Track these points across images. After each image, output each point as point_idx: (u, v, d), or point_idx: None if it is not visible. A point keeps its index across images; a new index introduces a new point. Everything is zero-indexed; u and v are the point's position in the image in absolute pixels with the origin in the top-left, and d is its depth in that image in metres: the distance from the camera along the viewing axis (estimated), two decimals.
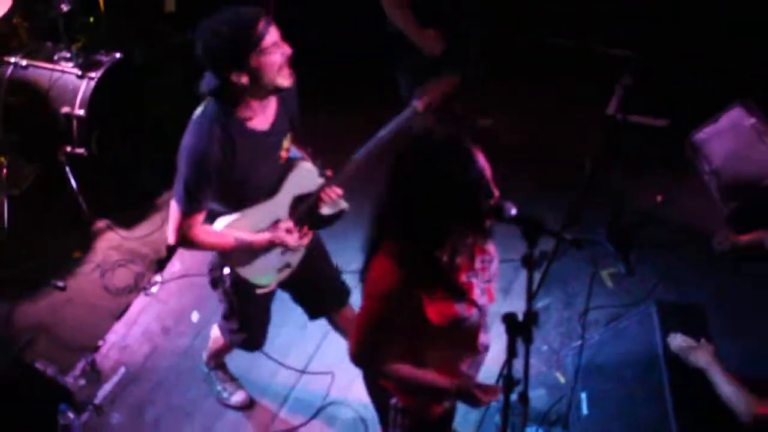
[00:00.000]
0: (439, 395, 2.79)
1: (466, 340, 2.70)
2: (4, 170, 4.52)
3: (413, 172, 2.35)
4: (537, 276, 3.16)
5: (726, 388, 2.75)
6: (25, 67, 4.46)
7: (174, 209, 2.72)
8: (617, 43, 4.99)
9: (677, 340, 3.12)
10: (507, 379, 2.42)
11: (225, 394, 3.89)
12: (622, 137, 4.26)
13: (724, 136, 4.19)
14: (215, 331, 3.57)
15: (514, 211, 2.27)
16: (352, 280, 3.68)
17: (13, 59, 4.49)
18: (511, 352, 2.34)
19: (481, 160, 2.32)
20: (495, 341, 3.11)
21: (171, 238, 2.76)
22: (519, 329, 2.34)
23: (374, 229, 2.53)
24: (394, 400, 2.79)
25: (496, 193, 2.32)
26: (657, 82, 4.45)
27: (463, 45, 4.44)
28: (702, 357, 2.95)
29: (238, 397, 3.91)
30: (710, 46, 4.84)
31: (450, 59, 4.27)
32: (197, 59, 2.61)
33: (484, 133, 4.96)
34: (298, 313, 3.61)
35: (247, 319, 3.37)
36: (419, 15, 4.19)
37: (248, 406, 3.90)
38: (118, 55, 4.45)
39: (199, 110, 2.70)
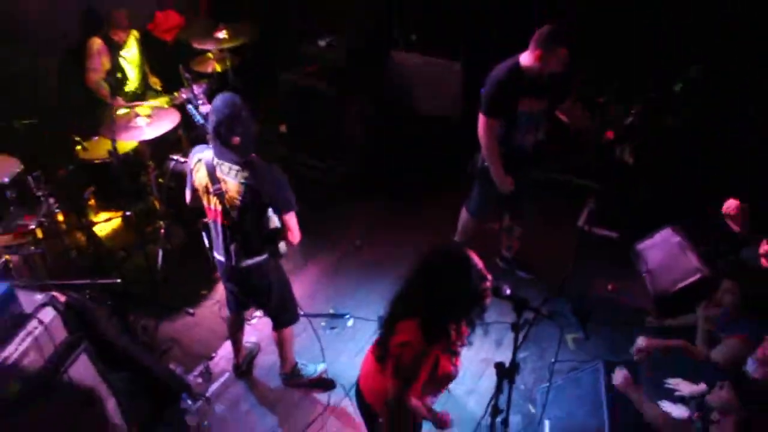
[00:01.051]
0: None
1: (443, 385, 3.10)
2: (162, 230, 5.23)
3: (441, 276, 2.72)
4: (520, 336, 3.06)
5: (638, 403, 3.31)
6: (183, 163, 5.01)
7: None
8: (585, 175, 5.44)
9: (617, 374, 3.62)
10: (494, 408, 3.09)
11: (310, 370, 4.42)
12: (586, 243, 4.70)
13: (657, 247, 4.56)
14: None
15: (508, 291, 2.74)
16: (372, 327, 4.42)
17: (174, 157, 5.11)
18: (499, 389, 3.00)
19: (477, 259, 2.74)
20: (486, 378, 4.04)
21: None
22: (506, 374, 2.93)
23: (399, 304, 2.88)
24: (381, 420, 3.11)
25: (489, 276, 2.76)
26: (613, 206, 4.78)
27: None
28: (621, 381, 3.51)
29: (319, 367, 4.46)
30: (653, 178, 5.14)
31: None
32: None
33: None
34: None
35: None
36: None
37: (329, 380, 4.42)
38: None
39: None
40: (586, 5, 5.30)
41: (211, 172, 3.51)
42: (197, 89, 5.36)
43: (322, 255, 5.51)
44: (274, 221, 3.74)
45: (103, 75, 5.63)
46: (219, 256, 3.86)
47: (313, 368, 4.50)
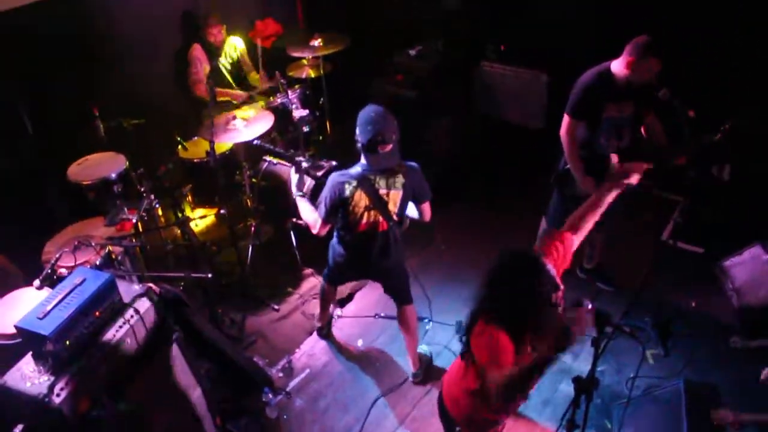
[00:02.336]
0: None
1: (527, 382, 2.87)
2: (253, 228, 5.37)
3: (511, 277, 2.73)
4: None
5: None
6: (275, 164, 5.21)
7: None
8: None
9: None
10: (570, 422, 2.99)
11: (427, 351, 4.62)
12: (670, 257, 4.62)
13: (745, 265, 4.42)
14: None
15: (590, 306, 2.62)
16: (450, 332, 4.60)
17: (267, 159, 5.23)
18: (576, 404, 2.91)
19: (550, 266, 2.72)
20: (562, 390, 4.09)
21: None
22: (584, 388, 2.81)
23: (476, 305, 2.88)
24: (458, 429, 3.16)
25: (561, 286, 2.75)
26: (699, 221, 4.64)
27: None
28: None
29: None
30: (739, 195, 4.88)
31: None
32: None
33: None
34: None
35: None
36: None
37: None
38: (334, 162, 4.96)
39: None
40: (680, 17, 5.14)
41: (371, 189, 3.70)
42: (292, 94, 5.48)
43: (408, 258, 5.51)
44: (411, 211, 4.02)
45: (205, 80, 5.81)
46: (364, 260, 4.01)
47: (425, 350, 4.68)
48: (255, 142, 4.94)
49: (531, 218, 5.20)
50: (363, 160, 3.74)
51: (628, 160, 4.16)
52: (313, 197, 4.37)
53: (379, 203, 3.74)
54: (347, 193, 3.72)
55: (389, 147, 3.61)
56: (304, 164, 4.43)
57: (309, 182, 4.73)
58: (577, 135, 4.36)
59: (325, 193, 3.79)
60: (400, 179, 3.73)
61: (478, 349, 2.79)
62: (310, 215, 3.98)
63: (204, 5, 6.16)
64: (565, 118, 4.34)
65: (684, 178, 4.20)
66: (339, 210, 3.82)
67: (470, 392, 2.97)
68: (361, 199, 3.73)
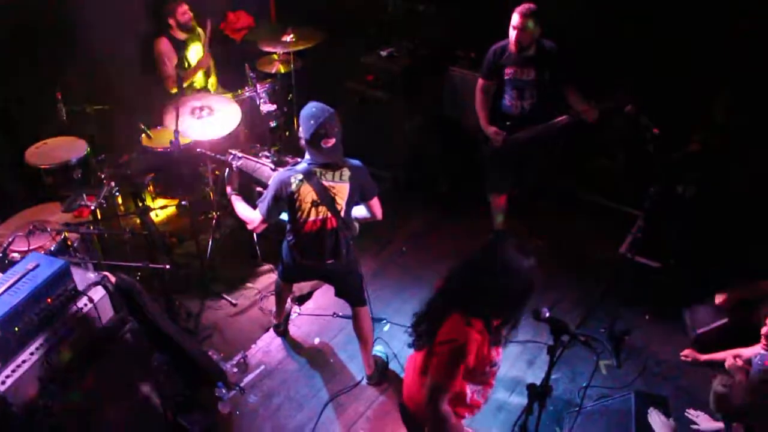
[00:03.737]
0: None
1: (487, 376, 3.06)
2: (214, 221, 5.33)
3: (494, 271, 2.74)
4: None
5: None
6: (240, 158, 4.85)
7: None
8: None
9: (654, 415, 3.66)
10: (522, 428, 3.06)
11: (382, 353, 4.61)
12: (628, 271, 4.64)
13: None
14: None
15: (548, 314, 2.75)
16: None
17: (233, 152, 4.91)
18: (529, 410, 2.97)
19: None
20: (516, 396, 4.10)
21: None
22: (537, 395, 2.89)
23: (443, 299, 2.93)
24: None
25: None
26: (657, 236, 4.66)
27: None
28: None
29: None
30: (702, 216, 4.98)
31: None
32: None
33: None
34: None
35: None
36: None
37: None
38: (299, 159, 4.41)
39: None
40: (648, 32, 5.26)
41: (318, 183, 3.69)
42: (260, 88, 5.42)
43: (365, 259, 5.45)
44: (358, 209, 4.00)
45: (174, 74, 5.71)
46: (315, 261, 3.99)
47: (381, 352, 4.67)
48: (198, 150, 4.87)
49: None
50: (307, 156, 3.77)
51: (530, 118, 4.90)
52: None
53: (326, 197, 3.73)
54: (293, 187, 3.71)
55: (332, 141, 3.62)
56: (264, 167, 4.59)
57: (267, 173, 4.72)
58: (488, 93, 5.05)
59: (270, 189, 3.79)
60: (346, 173, 3.74)
61: (442, 348, 2.80)
62: (246, 212, 3.99)
63: None
64: (479, 80, 5.07)
65: (646, 193, 4.26)
66: (283, 206, 3.82)
67: None
68: (308, 194, 3.71)
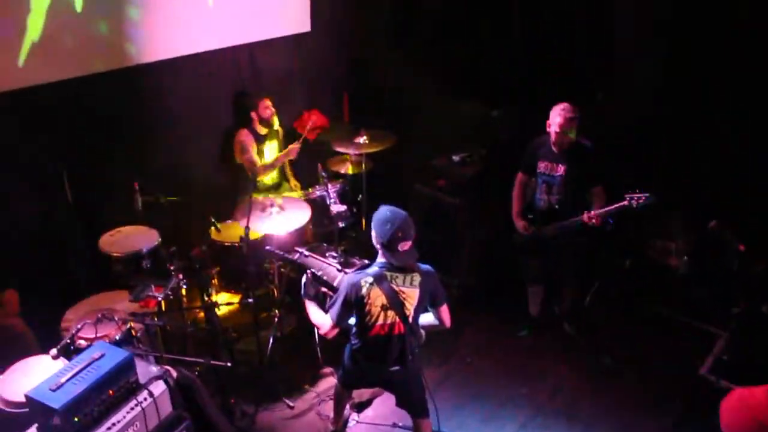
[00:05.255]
0: None
1: None
2: (276, 318, 5.31)
3: None
4: None
5: None
6: (306, 256, 4.90)
7: None
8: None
9: None
10: None
11: None
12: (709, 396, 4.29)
13: None
14: None
15: None
16: None
17: (300, 249, 4.96)
18: None
19: None
20: None
21: None
22: None
23: None
24: None
25: None
26: (746, 360, 4.47)
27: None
28: None
29: None
30: None
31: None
32: None
33: None
34: None
35: None
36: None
37: None
38: (366, 261, 4.52)
39: None
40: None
41: (388, 287, 3.68)
42: (332, 188, 5.51)
43: (427, 369, 5.29)
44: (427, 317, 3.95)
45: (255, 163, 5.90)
46: (379, 367, 3.91)
47: None
48: (267, 247, 4.97)
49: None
50: (380, 259, 3.77)
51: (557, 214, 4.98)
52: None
53: (395, 302, 3.70)
54: (363, 291, 3.70)
55: (408, 244, 3.65)
56: (330, 268, 4.55)
57: (339, 277, 4.70)
58: (524, 187, 5.23)
59: (340, 293, 3.79)
60: (417, 278, 3.72)
61: None
62: (319, 317, 3.98)
63: (254, 88, 6.34)
64: (518, 172, 5.26)
65: (729, 311, 4.10)
66: (353, 310, 3.79)
67: None
68: (378, 297, 3.69)
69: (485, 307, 5.98)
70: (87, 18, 5.19)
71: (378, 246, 3.73)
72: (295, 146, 6.03)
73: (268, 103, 6.00)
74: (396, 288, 3.71)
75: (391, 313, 3.72)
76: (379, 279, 3.70)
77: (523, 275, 5.59)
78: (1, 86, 4.84)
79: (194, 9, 5.86)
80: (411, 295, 3.72)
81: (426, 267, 3.82)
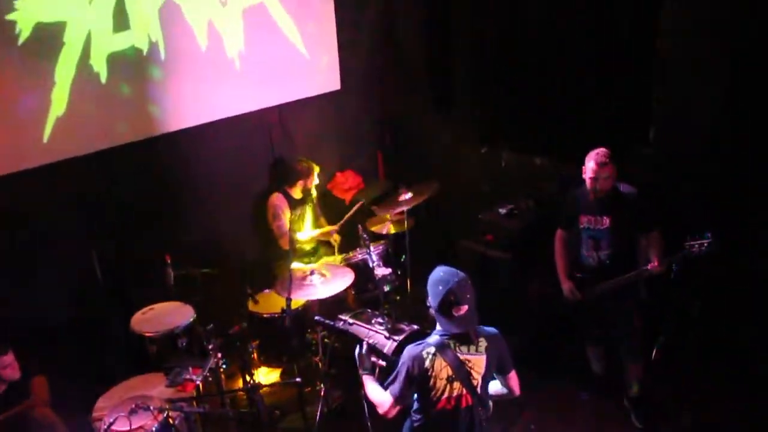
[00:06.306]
0: None
1: None
2: (322, 392, 4.95)
3: None
4: None
5: None
6: (351, 324, 4.82)
7: None
8: None
9: None
10: None
11: None
12: None
13: None
14: None
15: None
16: None
17: (343, 317, 4.89)
18: None
19: None
20: None
21: None
22: None
23: None
24: None
25: None
26: None
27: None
28: None
29: None
30: None
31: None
32: None
33: None
34: None
35: None
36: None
37: None
38: (416, 326, 4.65)
39: None
40: None
41: (453, 357, 3.33)
42: (374, 250, 5.22)
43: None
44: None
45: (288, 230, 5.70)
46: None
47: None
48: (316, 318, 4.73)
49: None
50: (439, 326, 3.41)
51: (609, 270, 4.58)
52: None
53: (461, 372, 3.33)
54: (427, 363, 3.33)
55: (464, 308, 3.27)
56: (378, 335, 4.32)
57: (389, 344, 4.39)
58: (567, 244, 4.87)
59: (401, 367, 3.40)
60: (483, 343, 3.37)
61: None
62: (378, 395, 3.57)
63: (289, 154, 6.18)
64: (557, 230, 4.90)
65: None
66: (416, 386, 3.41)
67: None
68: (442, 369, 3.32)
69: (545, 366, 5.50)
70: (111, 88, 5.08)
71: (432, 311, 3.38)
72: (334, 229, 5.91)
73: (317, 172, 5.88)
74: (461, 357, 3.34)
75: (457, 384, 3.34)
76: (441, 348, 3.34)
77: (580, 335, 5.18)
78: (26, 164, 4.73)
79: (221, 74, 5.76)
80: (478, 363, 3.35)
81: (490, 330, 3.46)
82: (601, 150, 4.45)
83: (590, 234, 4.66)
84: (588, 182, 4.51)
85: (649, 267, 4.42)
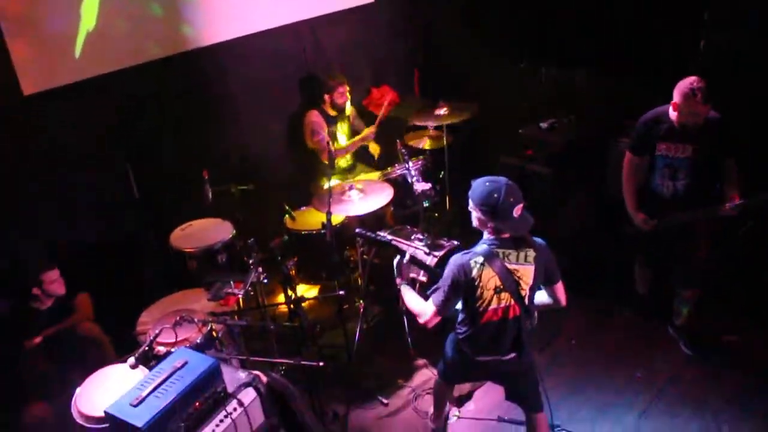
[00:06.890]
0: None
1: None
2: (361, 308, 4.91)
3: None
4: None
5: None
6: (391, 240, 4.60)
7: None
8: None
9: None
10: None
11: None
12: None
13: None
14: None
15: None
16: None
17: (382, 234, 4.65)
18: None
19: None
20: None
21: None
22: None
23: None
24: None
25: None
26: None
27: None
28: None
29: None
30: None
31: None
32: None
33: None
34: None
35: None
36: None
37: None
38: (456, 242, 4.53)
39: None
40: None
41: (501, 267, 3.27)
42: (413, 166, 5.10)
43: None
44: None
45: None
46: (493, 356, 3.50)
47: None
48: (357, 230, 4.63)
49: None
50: (487, 236, 3.34)
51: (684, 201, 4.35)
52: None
53: (510, 282, 3.27)
54: (474, 273, 3.27)
55: (522, 207, 3.21)
56: (418, 251, 4.25)
57: (428, 260, 4.33)
58: (638, 172, 4.58)
59: (446, 276, 3.33)
60: (531, 253, 3.29)
61: None
62: (417, 304, 3.54)
63: (323, 69, 6.02)
64: (626, 153, 4.61)
65: None
66: (461, 295, 3.36)
67: None
68: (490, 279, 3.26)
69: (585, 285, 5.38)
70: (141, 1, 4.93)
71: (486, 220, 3.27)
72: (371, 130, 5.77)
73: (345, 89, 5.71)
74: (510, 266, 3.27)
75: (505, 295, 3.29)
76: (490, 258, 3.27)
77: (634, 255, 5.02)
78: (59, 81, 4.64)
79: None
80: (526, 273, 3.29)
81: (539, 240, 3.39)
82: (701, 83, 4.05)
83: (667, 162, 4.38)
84: (678, 115, 4.19)
85: (726, 206, 4.18)
